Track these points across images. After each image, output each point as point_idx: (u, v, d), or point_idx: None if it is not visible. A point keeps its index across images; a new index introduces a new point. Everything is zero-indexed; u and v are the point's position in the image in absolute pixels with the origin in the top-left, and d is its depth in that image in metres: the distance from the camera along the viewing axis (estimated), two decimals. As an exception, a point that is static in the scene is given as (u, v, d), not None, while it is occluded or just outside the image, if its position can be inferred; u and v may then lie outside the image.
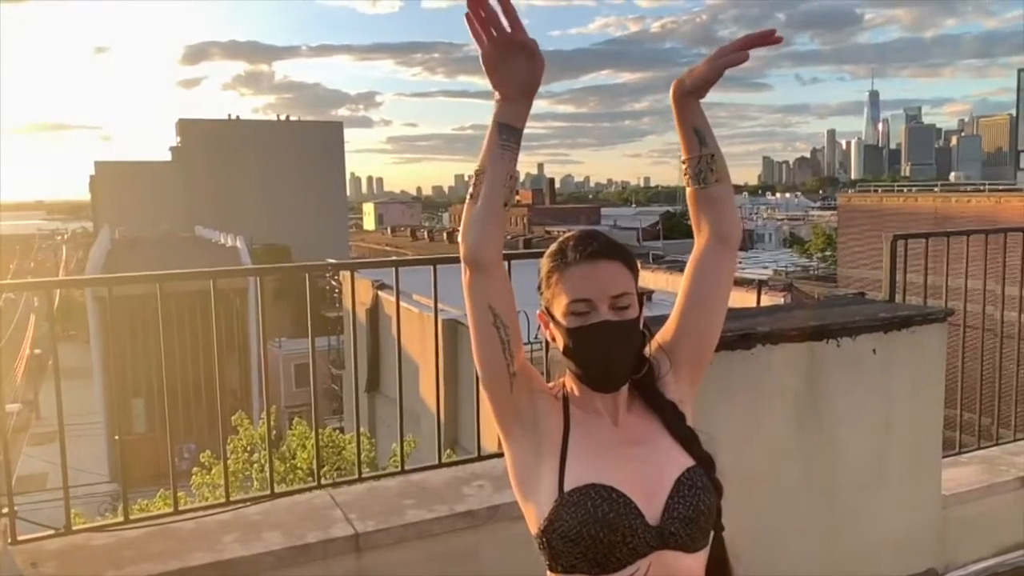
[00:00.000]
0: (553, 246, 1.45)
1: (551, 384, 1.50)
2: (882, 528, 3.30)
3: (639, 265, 1.49)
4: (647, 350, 1.46)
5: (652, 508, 1.33)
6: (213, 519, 2.61)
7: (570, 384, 1.45)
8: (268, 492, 2.76)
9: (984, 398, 4.11)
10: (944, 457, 3.63)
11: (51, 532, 2.44)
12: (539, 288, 1.45)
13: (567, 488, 1.33)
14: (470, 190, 1.36)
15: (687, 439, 1.41)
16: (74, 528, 2.48)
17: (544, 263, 1.44)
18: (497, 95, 1.35)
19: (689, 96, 1.46)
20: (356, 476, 2.93)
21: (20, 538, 2.40)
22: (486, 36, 1.30)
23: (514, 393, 1.41)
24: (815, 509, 3.15)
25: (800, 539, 3.11)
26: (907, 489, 3.36)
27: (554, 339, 1.43)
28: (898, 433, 3.30)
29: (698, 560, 1.37)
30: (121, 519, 2.55)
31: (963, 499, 3.58)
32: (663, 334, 1.52)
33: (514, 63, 1.32)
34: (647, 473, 1.35)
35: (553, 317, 1.41)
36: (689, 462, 1.38)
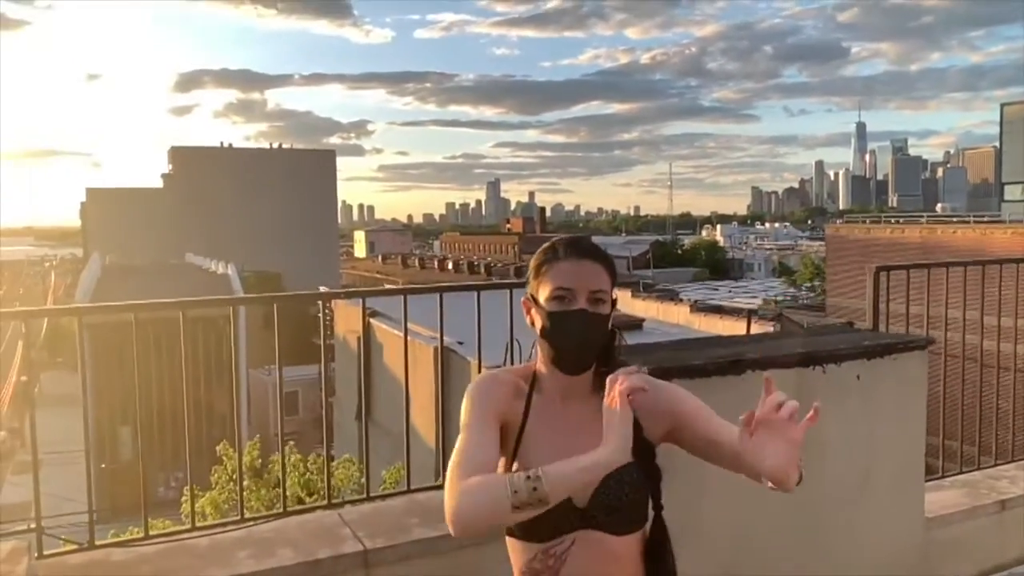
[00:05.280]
0: (546, 244, 1.65)
1: (520, 366, 1.69)
2: (867, 549, 3.41)
3: (622, 282, 1.65)
4: (617, 349, 1.65)
5: (581, 495, 1.51)
6: (227, 536, 2.72)
7: (540, 367, 1.63)
8: (280, 510, 2.87)
9: (966, 425, 4.25)
10: (927, 481, 3.76)
11: (74, 547, 2.54)
12: (527, 279, 1.64)
13: (516, 470, 1.54)
14: (527, 498, 1.35)
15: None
16: (96, 544, 2.58)
17: (535, 258, 1.64)
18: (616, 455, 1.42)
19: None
20: (364, 496, 3.04)
21: (45, 553, 2.50)
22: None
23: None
24: (802, 530, 3.26)
25: (787, 560, 3.22)
26: (891, 511, 3.47)
27: (533, 324, 1.62)
28: (882, 456, 3.42)
29: (626, 541, 1.56)
30: (141, 535, 2.65)
31: (946, 521, 3.70)
32: (688, 408, 1.63)
33: None
34: None
35: (537, 302, 1.60)
36: (625, 459, 1.52)
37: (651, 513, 1.63)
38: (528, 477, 1.37)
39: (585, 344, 1.57)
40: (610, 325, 1.61)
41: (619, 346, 1.67)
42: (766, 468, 1.36)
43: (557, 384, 1.61)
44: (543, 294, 1.58)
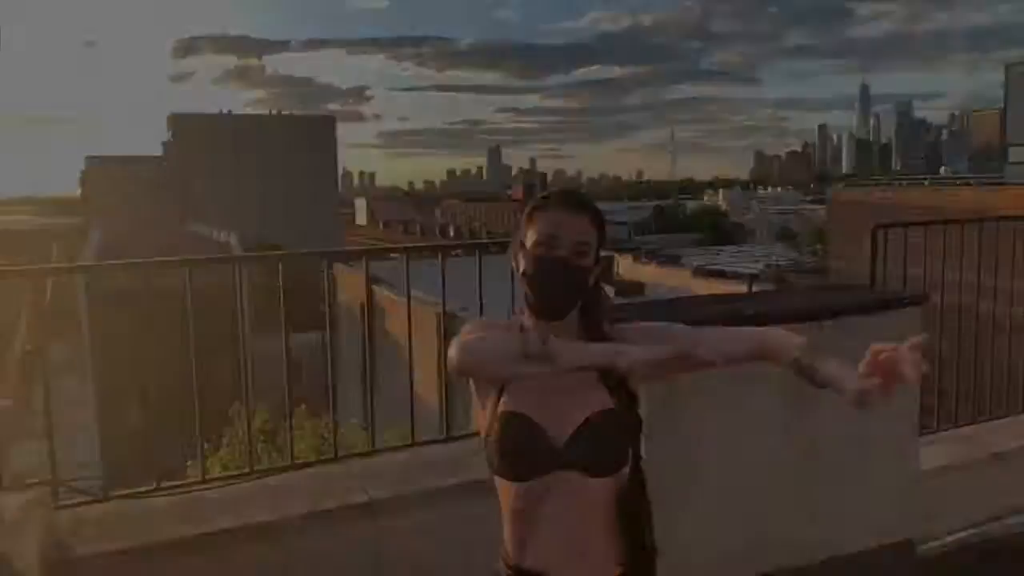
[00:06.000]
0: (541, 194, 1.70)
1: (510, 320, 1.73)
2: (863, 500, 3.48)
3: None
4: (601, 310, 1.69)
5: (559, 436, 1.59)
6: (237, 488, 2.79)
7: (525, 320, 1.68)
8: (289, 463, 2.95)
9: (961, 383, 4.30)
10: (922, 435, 3.83)
11: (89, 499, 2.62)
12: (518, 226, 1.71)
13: (499, 411, 1.61)
14: (537, 350, 1.50)
15: (611, 382, 1.63)
16: (110, 495, 2.66)
17: (529, 206, 1.69)
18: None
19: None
20: (370, 449, 3.11)
21: (61, 504, 2.58)
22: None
23: None
24: (799, 482, 3.34)
25: (785, 511, 3.30)
26: (887, 464, 3.54)
27: (518, 267, 1.67)
28: (878, 410, 3.47)
29: (604, 483, 1.61)
30: (153, 486, 2.72)
31: (940, 474, 3.76)
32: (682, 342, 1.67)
33: None
34: (564, 407, 1.60)
35: (524, 247, 1.65)
36: (607, 404, 1.61)
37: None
38: (540, 336, 1.52)
39: (560, 290, 1.62)
40: (592, 280, 1.65)
41: (603, 301, 1.72)
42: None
43: (539, 332, 1.65)
44: (530, 238, 1.64)
